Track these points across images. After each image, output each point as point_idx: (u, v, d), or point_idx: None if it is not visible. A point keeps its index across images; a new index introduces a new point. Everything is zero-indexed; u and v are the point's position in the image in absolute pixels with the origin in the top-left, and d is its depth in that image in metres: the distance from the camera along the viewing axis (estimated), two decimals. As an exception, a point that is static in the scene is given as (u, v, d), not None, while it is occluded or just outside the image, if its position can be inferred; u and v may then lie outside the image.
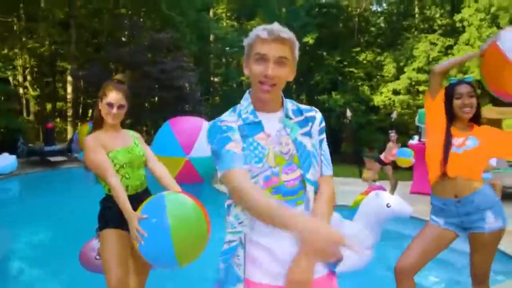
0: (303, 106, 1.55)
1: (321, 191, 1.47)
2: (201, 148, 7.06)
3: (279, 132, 1.42)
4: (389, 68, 19.95)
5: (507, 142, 2.39)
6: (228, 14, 27.03)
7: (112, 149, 2.26)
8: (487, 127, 2.41)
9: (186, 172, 7.04)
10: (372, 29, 23.19)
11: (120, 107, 2.28)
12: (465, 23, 17.61)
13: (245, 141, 1.39)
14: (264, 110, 1.46)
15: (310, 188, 1.42)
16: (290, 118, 1.47)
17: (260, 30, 1.38)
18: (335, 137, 19.57)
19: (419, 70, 18.21)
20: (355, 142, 17.32)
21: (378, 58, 20.85)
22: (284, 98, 1.50)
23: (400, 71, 19.37)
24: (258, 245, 1.37)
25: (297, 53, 1.44)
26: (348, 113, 11.42)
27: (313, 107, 1.56)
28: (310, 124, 1.48)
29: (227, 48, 24.40)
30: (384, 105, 19.58)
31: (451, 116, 2.39)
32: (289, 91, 24.53)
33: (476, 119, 2.39)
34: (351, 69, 20.96)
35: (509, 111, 8.42)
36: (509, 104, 17.14)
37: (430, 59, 18.03)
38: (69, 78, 17.17)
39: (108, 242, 2.27)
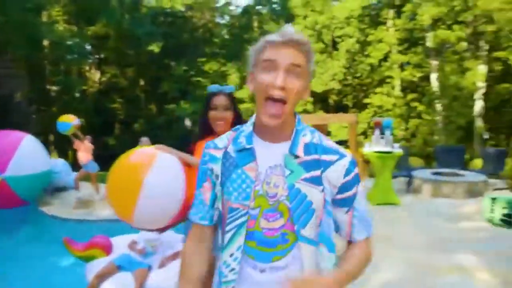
0: (328, 143, 1.19)
1: (352, 253, 1.22)
2: (20, 166, 6.11)
3: (271, 169, 1.14)
4: (234, 78, 20.90)
5: None
6: (65, 18, 24.87)
7: None
8: None
9: (2, 194, 6.04)
10: (216, 40, 23.98)
11: None
12: (297, 38, 19.53)
13: (234, 171, 1.16)
14: (266, 137, 1.17)
15: (306, 247, 1.13)
16: (296, 156, 1.14)
17: (270, 35, 1.14)
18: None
19: (260, 80, 19.53)
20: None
21: (223, 69, 21.66)
22: (298, 126, 1.19)
23: (243, 80, 20.44)
24: None
25: (312, 64, 1.17)
26: (187, 123, 11.55)
27: (342, 151, 1.19)
28: (321, 169, 1.14)
29: (68, 55, 22.48)
30: (230, 113, 20.46)
31: (205, 128, 2.26)
32: (138, 102, 23.78)
33: None
34: (198, 79, 21.32)
35: (330, 117, 9.52)
36: (335, 110, 19.37)
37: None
38: None
39: None
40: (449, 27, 15.78)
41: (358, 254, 1.21)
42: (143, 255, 3.24)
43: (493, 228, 5.37)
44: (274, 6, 23.44)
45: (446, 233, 5.16)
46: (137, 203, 1.74)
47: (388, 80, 17.98)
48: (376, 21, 18.66)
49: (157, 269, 3.20)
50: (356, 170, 1.19)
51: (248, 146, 1.16)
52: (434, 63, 16.74)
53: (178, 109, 19.93)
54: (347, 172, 1.16)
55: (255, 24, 23.51)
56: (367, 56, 17.95)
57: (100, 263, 3.21)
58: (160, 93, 22.03)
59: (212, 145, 1.25)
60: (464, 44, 16.11)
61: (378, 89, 18.02)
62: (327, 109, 19.89)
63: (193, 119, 17.12)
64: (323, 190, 1.13)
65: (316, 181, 1.13)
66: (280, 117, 1.10)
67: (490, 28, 14.66)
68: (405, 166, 8.85)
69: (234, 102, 2.26)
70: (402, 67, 17.88)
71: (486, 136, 15.45)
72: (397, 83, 17.87)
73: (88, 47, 24.08)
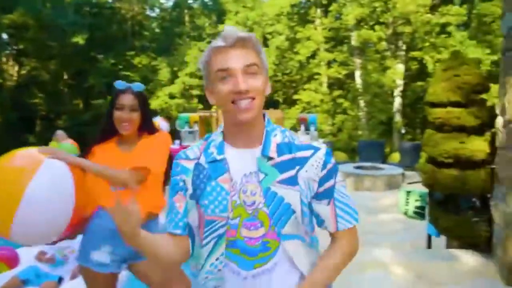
0: (300, 140, 1.18)
1: (338, 245, 1.22)
2: None
3: (245, 178, 1.11)
4: (164, 73, 20.41)
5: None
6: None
7: None
8: (147, 141, 2.05)
9: None
10: (146, 33, 23.25)
11: None
12: (228, 34, 19.52)
13: (208, 184, 1.12)
14: (237, 144, 1.14)
15: (291, 243, 1.12)
16: (270, 158, 1.12)
17: (214, 42, 1.08)
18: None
19: (191, 75, 19.26)
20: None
21: (153, 63, 21.06)
22: (268, 127, 1.16)
23: (174, 75, 20.04)
24: None
25: (265, 58, 1.13)
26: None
27: (316, 144, 1.18)
28: (297, 167, 1.12)
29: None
30: (161, 109, 19.94)
31: (109, 128, 2.04)
32: (62, 96, 22.41)
33: (148, 132, 2.07)
34: (126, 73, 20.55)
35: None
36: (267, 107, 19.87)
37: (201, 65, 19.35)
38: None
39: None
40: (371, 28, 16.62)
41: (341, 247, 1.22)
42: (53, 265, 3.04)
43: (408, 220, 5.74)
44: (206, 0, 23.24)
45: (368, 227, 5.42)
46: (16, 212, 1.56)
47: (316, 77, 18.56)
48: (304, 19, 19.14)
49: (69, 281, 3.02)
50: (333, 160, 1.18)
51: (219, 157, 1.13)
52: (358, 61, 17.56)
53: (105, 105, 19.09)
54: (324, 164, 1.15)
55: (186, 18, 23.12)
56: (296, 53, 18.37)
57: (3, 278, 2.97)
58: (86, 88, 20.94)
59: (184, 156, 1.20)
60: (384, 44, 17.04)
61: (306, 86, 18.53)
62: (268, 106, 20.10)
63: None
64: (298, 190, 1.12)
65: (292, 181, 1.11)
66: (252, 110, 1.07)
67: (407, 29, 15.67)
68: (330, 161, 9.20)
69: (143, 102, 2.03)
70: (329, 64, 18.54)
71: (403, 131, 16.54)
72: (324, 80, 18.52)
73: (5, 37, 22.30)
